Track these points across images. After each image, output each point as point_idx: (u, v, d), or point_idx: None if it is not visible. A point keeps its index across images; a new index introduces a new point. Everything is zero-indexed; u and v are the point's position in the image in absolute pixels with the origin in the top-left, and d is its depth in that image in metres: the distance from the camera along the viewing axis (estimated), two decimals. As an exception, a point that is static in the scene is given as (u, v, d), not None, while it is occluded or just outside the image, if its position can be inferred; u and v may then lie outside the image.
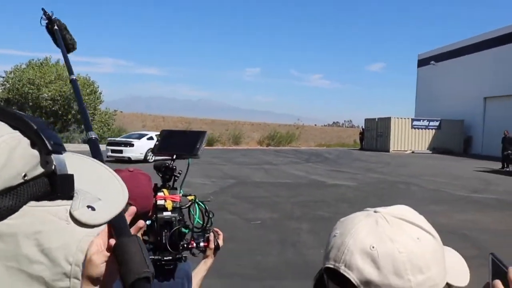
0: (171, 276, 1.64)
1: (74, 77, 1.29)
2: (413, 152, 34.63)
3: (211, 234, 1.86)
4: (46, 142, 0.63)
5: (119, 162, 20.42)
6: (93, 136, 1.04)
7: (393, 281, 0.72)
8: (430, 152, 34.93)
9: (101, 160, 0.89)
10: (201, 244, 1.81)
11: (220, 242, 1.89)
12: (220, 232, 1.91)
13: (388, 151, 34.59)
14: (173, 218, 1.59)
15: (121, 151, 21.78)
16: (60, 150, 0.66)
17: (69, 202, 0.65)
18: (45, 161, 0.63)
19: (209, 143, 44.02)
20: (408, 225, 0.78)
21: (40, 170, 0.63)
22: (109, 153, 21.79)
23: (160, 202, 1.63)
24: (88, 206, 0.66)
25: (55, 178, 0.64)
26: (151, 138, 22.26)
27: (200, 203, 1.67)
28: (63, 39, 1.49)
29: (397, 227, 0.77)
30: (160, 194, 1.66)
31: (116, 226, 0.77)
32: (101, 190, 0.72)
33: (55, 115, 36.83)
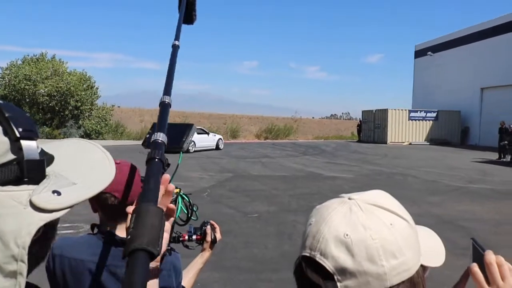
0: None
1: (177, 43, 1.33)
2: (410, 143, 34.70)
3: (208, 227, 1.85)
4: (14, 128, 0.64)
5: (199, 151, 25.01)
6: (166, 101, 1.08)
7: (367, 267, 0.73)
8: (428, 143, 35.02)
9: (164, 126, 0.97)
10: (194, 237, 1.80)
11: (218, 235, 1.88)
12: (216, 225, 1.90)
13: (385, 143, 34.69)
14: None
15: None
16: (30, 136, 0.66)
17: (34, 187, 0.65)
18: (15, 147, 0.64)
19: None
20: (382, 211, 0.78)
21: (11, 156, 0.64)
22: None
23: None
24: (54, 191, 0.66)
25: (22, 163, 0.65)
26: (217, 135, 28.77)
27: (184, 196, 1.65)
28: (187, 9, 1.56)
29: (370, 214, 0.77)
30: None
31: (144, 192, 0.79)
32: (84, 173, 0.73)
33: (52, 110, 36.75)
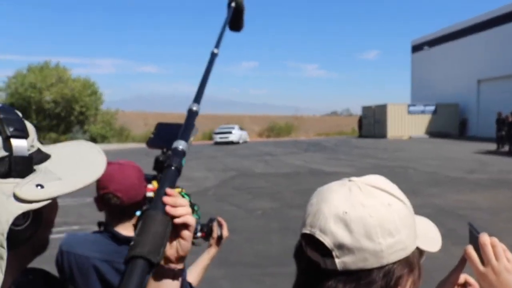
0: None
1: (216, 51, 1.31)
2: (410, 137, 34.69)
3: (214, 223, 1.86)
4: (6, 128, 0.71)
5: (224, 144, 32.30)
6: (194, 108, 1.07)
7: (365, 244, 0.75)
8: (427, 136, 34.95)
9: (187, 134, 0.99)
10: (199, 234, 1.80)
11: (225, 232, 1.88)
12: (223, 222, 1.90)
13: (385, 137, 34.69)
14: None
15: (227, 137, 33.67)
16: (20, 135, 0.73)
17: (20, 180, 0.71)
18: (6, 145, 0.71)
19: (211, 137, 44.24)
20: (380, 192, 0.81)
21: (2, 153, 0.71)
22: (217, 139, 33.82)
23: (148, 194, 1.70)
24: (38, 185, 0.71)
25: (11, 159, 0.71)
26: (239, 129, 35.86)
27: (186, 196, 1.65)
28: (234, 17, 1.57)
29: (369, 194, 0.79)
30: (149, 186, 1.72)
31: (155, 198, 0.83)
32: (72, 171, 0.79)
33: (58, 117, 37.02)
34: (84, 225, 7.94)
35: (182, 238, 0.86)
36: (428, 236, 0.88)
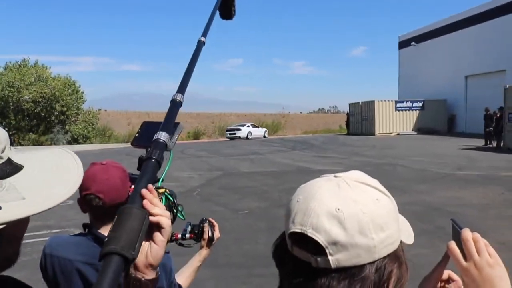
0: None
1: (203, 40, 1.25)
2: (398, 134, 34.91)
3: (205, 224, 1.84)
4: None
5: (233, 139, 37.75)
6: (177, 99, 1.03)
7: (359, 240, 0.75)
8: (415, 133, 35.20)
9: (169, 125, 0.94)
10: (187, 235, 1.78)
11: (216, 233, 1.87)
12: (215, 223, 1.89)
13: (373, 134, 34.80)
14: None
15: (235, 133, 39.94)
16: None
17: None
18: None
19: (195, 136, 43.99)
20: (367, 187, 0.81)
21: None
22: (228, 135, 40.25)
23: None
24: None
25: None
26: (249, 126, 41.81)
27: (169, 196, 1.64)
28: (224, 6, 1.51)
29: (358, 189, 0.80)
30: (133, 186, 1.64)
31: (133, 192, 0.79)
32: (40, 188, 0.74)
33: (38, 117, 36.43)
34: (66, 228, 7.80)
35: (154, 241, 0.83)
36: (404, 229, 0.88)
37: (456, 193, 10.37)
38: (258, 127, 43.69)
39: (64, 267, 1.67)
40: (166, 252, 1.70)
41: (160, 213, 0.82)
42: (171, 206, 1.68)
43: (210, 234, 1.84)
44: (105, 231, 1.68)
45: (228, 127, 43.02)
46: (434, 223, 7.27)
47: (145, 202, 0.80)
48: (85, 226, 1.75)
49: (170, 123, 0.96)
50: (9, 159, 0.74)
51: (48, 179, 0.76)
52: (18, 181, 0.72)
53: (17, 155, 0.76)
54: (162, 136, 0.91)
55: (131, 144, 1.70)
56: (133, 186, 1.59)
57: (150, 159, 0.87)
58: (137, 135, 1.74)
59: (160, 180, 1.66)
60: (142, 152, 1.59)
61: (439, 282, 0.99)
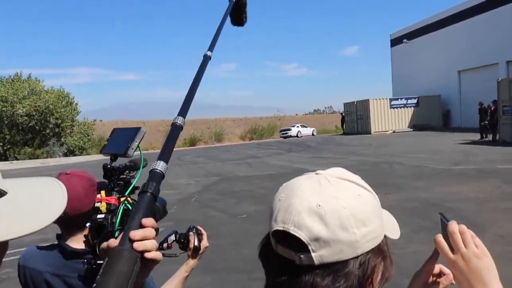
0: None
1: (209, 54, 1.20)
2: (394, 131, 34.93)
3: (191, 233, 1.74)
4: None
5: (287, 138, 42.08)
6: (178, 122, 0.96)
7: (341, 235, 0.76)
8: (411, 130, 35.23)
9: (167, 153, 0.86)
10: (164, 245, 1.67)
11: (204, 242, 1.75)
12: (203, 232, 1.77)
13: (369, 133, 34.82)
14: (105, 221, 1.50)
15: (286, 133, 44.76)
16: None
17: None
18: None
19: (192, 143, 43.95)
20: (348, 183, 0.82)
21: None
22: (281, 135, 45.16)
23: (96, 204, 1.59)
24: None
25: None
26: (299, 126, 46.84)
27: (128, 206, 1.53)
28: (236, 13, 1.49)
29: (339, 186, 0.80)
30: (98, 196, 1.62)
31: (124, 232, 0.74)
32: (16, 217, 0.73)
33: (32, 130, 36.29)
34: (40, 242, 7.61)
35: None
36: (390, 224, 0.89)
37: (454, 188, 10.37)
38: (307, 127, 47.80)
39: (35, 278, 1.68)
40: None
41: (153, 248, 0.76)
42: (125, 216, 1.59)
43: (196, 243, 1.72)
44: (73, 241, 1.69)
45: (281, 128, 49.04)
46: (432, 219, 7.26)
47: (135, 245, 0.74)
48: (57, 236, 1.75)
49: (169, 150, 0.88)
50: None
51: (31, 205, 0.75)
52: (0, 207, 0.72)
53: (5, 182, 0.75)
54: (160, 166, 0.83)
55: (100, 152, 1.67)
56: (98, 195, 1.62)
57: (145, 193, 0.79)
58: (106, 142, 1.72)
59: (128, 190, 1.61)
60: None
61: (431, 277, 1.00)
